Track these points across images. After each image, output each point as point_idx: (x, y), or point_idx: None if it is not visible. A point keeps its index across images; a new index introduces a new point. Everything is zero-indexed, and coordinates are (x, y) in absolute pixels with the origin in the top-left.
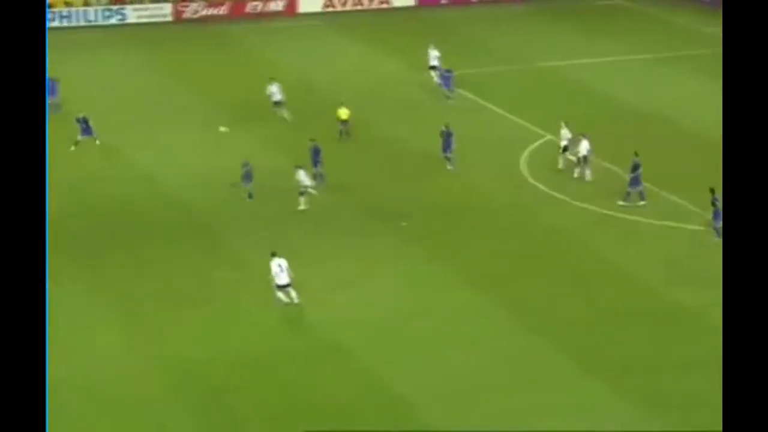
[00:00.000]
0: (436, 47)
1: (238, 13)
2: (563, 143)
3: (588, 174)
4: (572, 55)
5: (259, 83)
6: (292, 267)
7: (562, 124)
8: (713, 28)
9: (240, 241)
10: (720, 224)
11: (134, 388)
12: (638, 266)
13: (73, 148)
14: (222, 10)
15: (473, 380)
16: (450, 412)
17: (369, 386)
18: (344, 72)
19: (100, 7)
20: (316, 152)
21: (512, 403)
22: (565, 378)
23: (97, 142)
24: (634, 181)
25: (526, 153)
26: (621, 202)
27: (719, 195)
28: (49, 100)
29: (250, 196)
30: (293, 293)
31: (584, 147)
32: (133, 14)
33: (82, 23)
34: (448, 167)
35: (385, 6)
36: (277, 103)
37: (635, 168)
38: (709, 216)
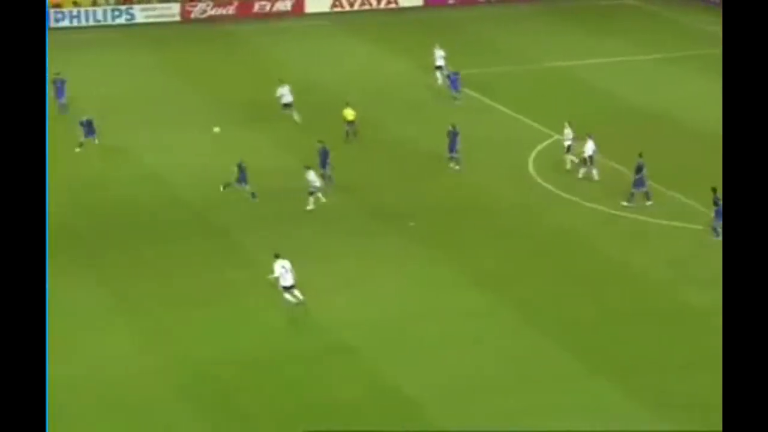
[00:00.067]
0: (442, 47)
1: (245, 13)
2: (567, 143)
3: (595, 174)
4: (580, 55)
5: (267, 83)
6: (299, 267)
7: (566, 124)
8: (720, 28)
9: (248, 241)
10: (720, 223)
11: (142, 389)
12: (645, 266)
13: (78, 149)
14: (230, 10)
15: (479, 380)
16: (456, 411)
17: (375, 386)
18: (352, 72)
19: (108, 7)
20: (324, 154)
21: (518, 403)
22: (571, 378)
23: (96, 141)
24: (639, 182)
25: (533, 153)
26: (625, 203)
27: (721, 194)
28: (57, 101)
29: (253, 195)
30: (298, 294)
31: (590, 147)
32: (141, 14)
33: (90, 23)
34: (456, 167)
35: (392, 6)
36: (286, 105)
37: (639, 169)
38: (713, 215)
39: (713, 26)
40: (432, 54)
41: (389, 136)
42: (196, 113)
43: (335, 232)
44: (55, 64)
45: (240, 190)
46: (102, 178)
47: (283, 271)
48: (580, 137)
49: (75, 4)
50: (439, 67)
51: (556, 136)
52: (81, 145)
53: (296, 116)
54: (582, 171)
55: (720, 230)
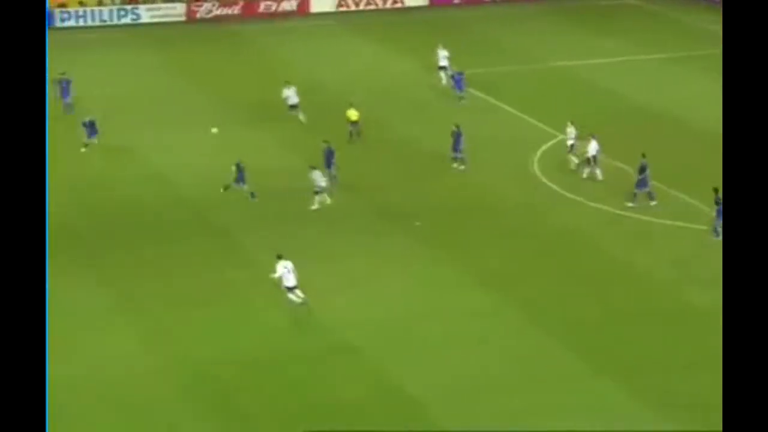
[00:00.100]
0: (445, 47)
1: (251, 13)
2: (569, 142)
3: (599, 174)
4: (584, 55)
5: (272, 83)
6: (304, 266)
7: (568, 123)
8: None
9: (250, 241)
10: (720, 223)
11: (145, 388)
12: (649, 266)
13: (83, 149)
14: (235, 10)
15: (483, 380)
16: (460, 411)
17: (379, 386)
18: (357, 72)
19: (113, 7)
20: (329, 154)
21: (522, 403)
22: (575, 378)
23: (96, 141)
24: (641, 183)
25: (538, 153)
26: (629, 204)
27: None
28: (62, 101)
29: (252, 195)
30: (300, 294)
31: (593, 147)
32: (146, 14)
33: (96, 23)
34: (461, 167)
35: (397, 6)
36: (292, 107)
37: (642, 170)
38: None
39: (716, 26)
40: (435, 54)
41: (394, 135)
42: (201, 113)
43: (340, 232)
44: (60, 64)
45: (238, 190)
46: (105, 178)
47: (285, 271)
48: (583, 137)
49: (81, 3)
50: (442, 68)
51: (561, 136)
52: (86, 145)
53: (302, 117)
54: (586, 171)
55: (720, 230)
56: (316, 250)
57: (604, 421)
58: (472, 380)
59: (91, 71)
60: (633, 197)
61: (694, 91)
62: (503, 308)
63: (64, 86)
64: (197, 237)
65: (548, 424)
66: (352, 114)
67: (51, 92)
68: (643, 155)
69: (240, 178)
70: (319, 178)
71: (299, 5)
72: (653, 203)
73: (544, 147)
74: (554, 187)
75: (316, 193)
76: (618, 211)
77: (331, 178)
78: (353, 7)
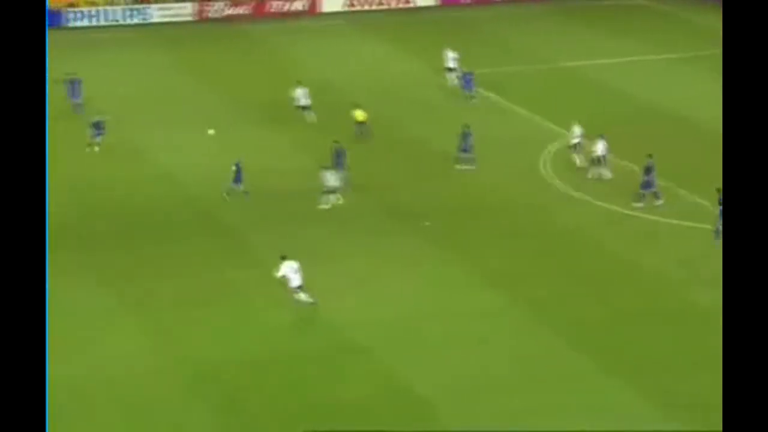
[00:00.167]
0: (454, 49)
1: (261, 13)
2: (573, 141)
3: (607, 173)
4: (592, 55)
5: (283, 83)
6: (312, 266)
7: (575, 123)
8: None
9: (259, 240)
10: (720, 225)
11: (150, 388)
12: (656, 266)
13: (96, 149)
14: (245, 10)
15: (491, 380)
16: (467, 411)
17: (387, 386)
18: (367, 72)
19: (124, 7)
20: (340, 154)
21: (530, 403)
22: (581, 377)
23: (99, 141)
24: (647, 184)
25: (546, 152)
26: (637, 204)
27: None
28: (72, 101)
29: (245, 194)
30: (305, 295)
31: (601, 147)
32: (156, 13)
33: (106, 22)
34: (467, 167)
35: (407, 5)
36: (304, 108)
37: (648, 170)
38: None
39: None
40: (443, 56)
41: (404, 135)
42: (211, 113)
43: (349, 232)
44: (71, 64)
45: (235, 189)
46: (112, 178)
47: (291, 271)
48: (590, 137)
49: (92, 3)
50: (450, 69)
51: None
52: (97, 144)
53: (313, 117)
54: (592, 171)
55: (721, 230)
56: (325, 249)
57: (610, 420)
58: (480, 380)
59: (102, 71)
60: (639, 198)
61: (702, 91)
62: (511, 308)
63: (74, 86)
64: (204, 237)
65: (555, 424)
66: (359, 114)
67: (60, 92)
68: (650, 156)
69: (238, 178)
70: (331, 179)
71: (310, 5)
72: (659, 202)
73: (551, 147)
74: (562, 186)
75: (326, 193)
76: (625, 211)
77: (342, 178)
78: (364, 7)
